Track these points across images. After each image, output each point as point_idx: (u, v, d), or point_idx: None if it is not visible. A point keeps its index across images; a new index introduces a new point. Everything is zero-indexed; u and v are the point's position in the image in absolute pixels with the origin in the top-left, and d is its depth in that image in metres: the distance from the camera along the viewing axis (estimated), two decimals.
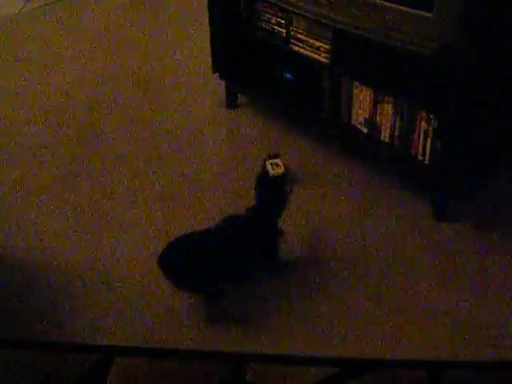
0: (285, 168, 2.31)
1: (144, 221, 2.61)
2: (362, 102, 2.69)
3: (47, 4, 4.45)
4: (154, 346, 2.13)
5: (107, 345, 2.13)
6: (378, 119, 2.66)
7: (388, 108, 2.60)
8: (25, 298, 2.29)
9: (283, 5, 2.77)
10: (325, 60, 2.75)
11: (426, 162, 2.55)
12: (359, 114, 2.72)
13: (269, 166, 2.33)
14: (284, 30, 2.86)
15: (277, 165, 2.35)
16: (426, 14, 2.23)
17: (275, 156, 2.39)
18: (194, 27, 3.97)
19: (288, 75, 2.98)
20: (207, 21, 3.10)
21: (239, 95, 3.26)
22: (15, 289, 2.33)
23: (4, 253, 2.47)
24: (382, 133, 2.67)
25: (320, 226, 2.58)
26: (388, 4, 2.35)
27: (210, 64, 3.21)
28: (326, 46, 2.71)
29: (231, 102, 3.24)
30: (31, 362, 2.07)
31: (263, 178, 2.32)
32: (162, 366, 2.07)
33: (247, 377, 2.03)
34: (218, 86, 3.30)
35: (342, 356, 2.10)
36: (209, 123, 3.18)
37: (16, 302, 2.28)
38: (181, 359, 2.09)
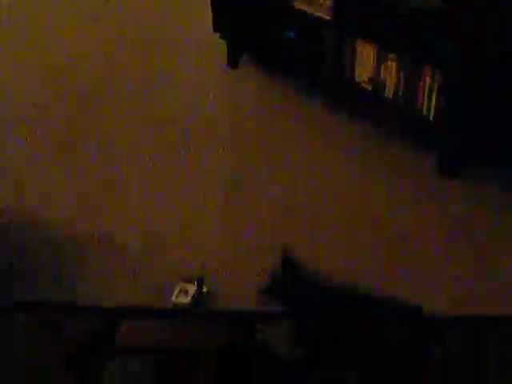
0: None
1: (148, 182, 2.60)
2: (365, 59, 2.67)
3: None
4: (163, 306, 2.14)
5: (116, 307, 2.14)
6: (382, 76, 2.64)
7: (392, 64, 2.58)
8: (32, 261, 2.30)
9: None
10: (327, 17, 2.72)
11: (431, 119, 2.54)
12: (363, 71, 2.70)
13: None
14: None
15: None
16: None
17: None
18: None
19: (290, 34, 2.95)
20: None
21: (241, 55, 3.23)
22: (22, 252, 2.34)
23: (9, 216, 2.47)
24: (386, 90, 2.65)
25: (325, 184, 2.58)
26: None
27: (211, 23, 3.18)
28: (329, 3, 2.69)
29: (233, 62, 3.22)
30: (43, 323, 2.09)
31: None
32: (171, 326, 2.08)
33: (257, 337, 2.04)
34: (220, 45, 3.27)
35: None
36: (211, 83, 3.16)
37: (25, 265, 2.29)
38: (190, 320, 2.10)
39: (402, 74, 2.57)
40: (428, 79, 2.48)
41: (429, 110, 2.53)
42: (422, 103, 2.54)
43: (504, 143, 2.59)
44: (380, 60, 2.62)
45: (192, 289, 2.20)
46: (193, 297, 2.17)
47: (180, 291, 2.20)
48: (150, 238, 2.37)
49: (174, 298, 2.18)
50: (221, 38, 3.21)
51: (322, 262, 2.24)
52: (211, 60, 3.31)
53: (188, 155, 2.74)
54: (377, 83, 2.67)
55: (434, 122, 2.53)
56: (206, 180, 2.61)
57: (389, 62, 2.59)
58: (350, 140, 2.79)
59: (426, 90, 2.50)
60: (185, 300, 2.18)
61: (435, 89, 2.47)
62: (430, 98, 2.51)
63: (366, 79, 2.70)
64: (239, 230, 2.39)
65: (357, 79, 2.74)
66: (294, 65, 2.99)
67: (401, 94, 2.61)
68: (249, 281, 2.15)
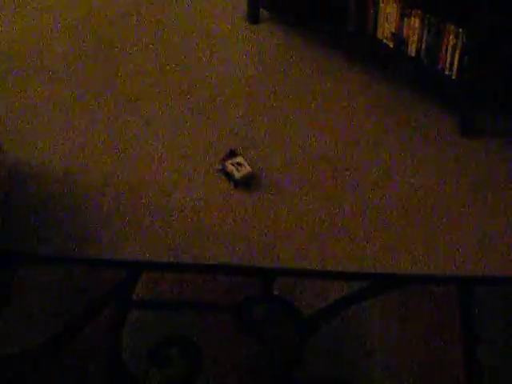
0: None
1: (167, 135, 2.60)
2: (388, 15, 2.63)
3: None
4: (180, 259, 2.16)
5: (134, 260, 2.16)
6: (405, 33, 2.60)
7: (415, 21, 2.54)
8: (51, 213, 2.32)
9: None
10: None
11: (454, 77, 2.51)
12: (385, 27, 2.66)
13: (231, 168, 2.33)
14: None
15: (239, 164, 2.34)
16: None
17: (234, 153, 2.38)
18: None
19: None
20: None
21: (261, 9, 3.19)
22: (40, 205, 2.36)
23: (28, 168, 2.48)
24: (409, 47, 2.61)
25: (344, 136, 2.57)
26: None
27: None
28: None
29: (253, 17, 3.17)
30: (60, 277, 2.11)
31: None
32: (188, 279, 2.10)
33: (275, 292, 2.06)
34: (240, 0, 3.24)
35: (370, 271, 2.13)
36: (231, 38, 3.12)
37: (42, 217, 2.31)
38: (207, 273, 2.12)
39: (425, 31, 2.53)
40: (452, 38, 2.45)
41: (451, 68, 2.50)
42: (445, 62, 2.51)
43: None
44: (403, 16, 2.58)
45: (241, 159, 2.36)
46: (247, 163, 2.35)
47: (234, 166, 2.35)
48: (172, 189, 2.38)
49: (235, 175, 2.34)
50: None
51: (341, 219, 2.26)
52: (232, 14, 3.26)
53: (210, 108, 2.74)
54: (399, 40, 2.63)
55: (457, 81, 2.50)
56: (228, 134, 2.61)
57: (412, 19, 2.55)
58: (369, 96, 2.77)
59: (450, 48, 2.47)
60: (245, 169, 2.35)
61: (459, 47, 2.44)
62: (453, 56, 2.47)
63: (389, 35, 2.66)
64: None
65: (379, 35, 2.70)
66: (316, 20, 2.95)
67: (423, 51, 2.57)
68: None
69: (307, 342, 1.94)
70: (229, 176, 2.38)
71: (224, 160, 2.41)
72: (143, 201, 2.36)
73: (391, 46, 2.67)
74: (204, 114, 2.70)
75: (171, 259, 2.17)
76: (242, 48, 3.07)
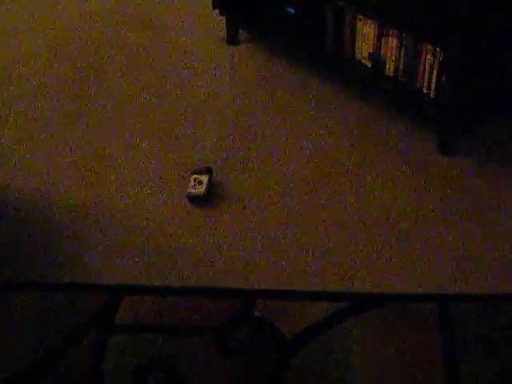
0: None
1: (146, 158, 2.59)
2: (365, 35, 2.65)
3: None
4: (162, 283, 2.14)
5: (115, 284, 2.14)
6: (383, 53, 2.62)
7: (392, 41, 2.56)
8: (28, 239, 2.29)
9: None
10: None
11: (432, 96, 2.52)
12: (363, 47, 2.68)
13: (192, 183, 2.40)
14: None
15: (200, 182, 2.39)
16: None
17: (205, 171, 2.44)
18: None
19: (290, 9, 2.92)
20: None
21: (240, 31, 3.20)
22: (19, 228, 2.33)
23: (7, 192, 2.46)
24: (387, 67, 2.63)
25: (323, 162, 2.57)
26: None
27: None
28: None
29: (232, 38, 3.19)
30: (40, 304, 2.08)
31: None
32: (169, 303, 2.08)
33: (255, 313, 2.04)
34: (219, 22, 3.24)
35: (350, 291, 2.12)
36: (210, 60, 3.14)
37: (20, 243, 2.28)
38: (187, 295, 2.10)
39: (402, 50, 2.54)
40: (429, 56, 2.46)
41: (429, 87, 2.51)
42: (423, 80, 2.52)
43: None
44: (380, 36, 2.59)
45: (205, 178, 2.40)
46: (206, 185, 2.38)
47: (195, 182, 2.39)
48: (151, 214, 2.37)
49: (190, 189, 2.37)
50: (220, 14, 3.17)
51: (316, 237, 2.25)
52: (211, 36, 3.28)
53: (188, 130, 2.73)
54: (377, 60, 2.65)
55: (435, 99, 2.51)
56: (205, 153, 2.60)
57: (389, 39, 2.57)
58: (348, 116, 2.78)
59: (427, 67, 2.48)
60: (199, 189, 2.37)
61: (436, 66, 2.45)
62: (430, 75, 2.49)
63: (367, 55, 2.68)
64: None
65: (357, 55, 2.72)
66: (294, 41, 2.96)
67: (401, 70, 2.59)
68: None
69: (289, 364, 1.92)
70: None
71: (193, 173, 2.44)
72: (122, 224, 2.34)
73: (369, 65, 2.69)
74: (183, 136, 2.70)
75: (152, 283, 2.15)
76: (220, 70, 3.08)
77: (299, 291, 2.12)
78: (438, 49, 2.42)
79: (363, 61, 2.70)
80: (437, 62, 2.44)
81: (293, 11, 2.92)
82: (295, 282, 2.15)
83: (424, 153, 2.59)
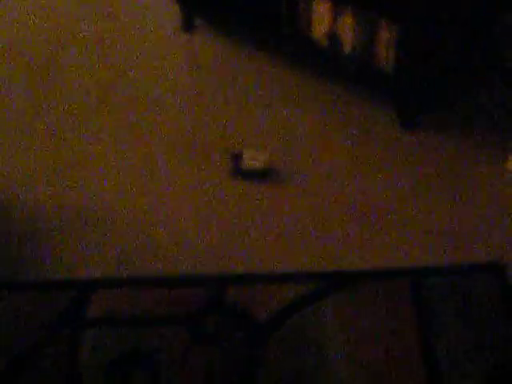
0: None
1: (110, 152, 2.56)
2: (321, 14, 2.64)
3: None
4: (131, 274, 2.13)
5: (84, 280, 2.12)
6: (339, 31, 2.61)
7: (348, 19, 2.56)
8: None
9: None
10: None
11: (390, 72, 2.53)
12: (319, 27, 2.67)
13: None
14: None
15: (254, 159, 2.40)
16: None
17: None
18: None
19: None
20: None
21: (195, 17, 3.17)
22: None
23: None
24: (344, 45, 2.63)
25: (287, 146, 2.57)
26: None
27: None
28: None
29: (187, 25, 3.16)
30: (10, 303, 2.06)
31: None
32: (140, 294, 2.07)
33: (228, 299, 2.04)
34: (175, 9, 3.22)
35: (322, 271, 2.12)
36: (166, 48, 3.10)
37: None
38: (159, 286, 2.09)
39: (358, 28, 2.54)
40: (385, 33, 2.47)
41: (387, 63, 2.52)
42: (380, 57, 2.53)
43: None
44: (336, 15, 2.59)
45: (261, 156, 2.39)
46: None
47: (248, 158, 2.38)
48: (116, 210, 2.35)
49: (247, 164, 2.38)
50: (176, 1, 3.14)
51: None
52: (166, 24, 3.25)
53: (149, 117, 2.71)
54: (334, 39, 2.65)
55: (393, 75, 2.52)
56: (167, 141, 2.59)
57: (345, 17, 2.56)
58: (308, 95, 2.78)
59: (384, 43, 2.48)
60: (258, 164, 2.37)
61: (393, 41, 2.46)
62: (387, 51, 2.49)
63: (323, 35, 2.67)
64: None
65: (313, 35, 2.71)
66: (250, 25, 2.94)
67: (358, 48, 2.59)
68: None
69: (264, 348, 1.92)
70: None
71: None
72: (88, 219, 2.31)
73: (326, 45, 2.68)
74: (145, 126, 2.68)
75: (122, 275, 2.14)
76: (177, 58, 3.05)
77: (270, 275, 2.11)
78: (393, 25, 2.43)
79: (320, 40, 2.69)
80: (393, 37, 2.44)
81: None
82: (267, 265, 2.15)
83: (386, 129, 2.60)
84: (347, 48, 2.62)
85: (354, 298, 2.04)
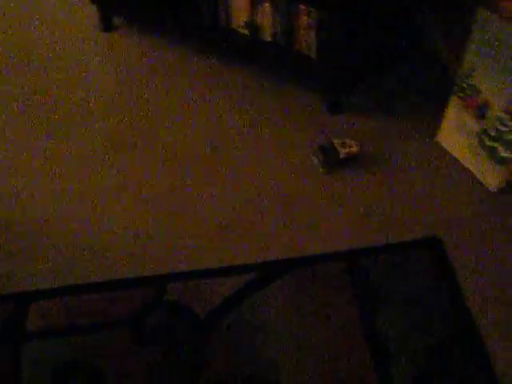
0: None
1: (36, 159, 2.50)
2: (239, 4, 2.62)
3: None
4: (68, 282, 2.08)
5: (20, 292, 2.07)
6: (259, 19, 2.60)
7: (267, 6, 2.54)
8: None
9: None
10: None
11: (313, 56, 2.53)
12: (238, 16, 2.65)
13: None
14: None
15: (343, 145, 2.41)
16: None
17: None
18: None
19: None
20: None
21: (114, 17, 3.12)
22: None
23: None
24: (265, 33, 2.61)
25: (217, 135, 2.55)
26: None
27: None
28: None
29: (106, 25, 3.11)
30: None
31: None
32: (79, 301, 2.03)
33: (168, 297, 2.01)
34: (91, 9, 3.16)
35: (257, 262, 2.11)
36: (87, 49, 3.04)
37: None
38: (98, 291, 2.05)
39: (277, 15, 2.53)
40: (305, 18, 2.46)
41: (310, 48, 2.51)
42: (302, 42, 2.52)
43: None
44: (254, 2, 2.57)
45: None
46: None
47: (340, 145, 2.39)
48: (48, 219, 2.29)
49: (342, 152, 2.39)
50: (91, 2, 3.08)
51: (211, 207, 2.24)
52: (85, 25, 3.18)
53: (74, 119, 2.66)
54: (254, 27, 2.63)
55: (317, 59, 2.52)
56: (101, 147, 2.54)
57: (263, 4, 2.55)
58: (234, 85, 2.76)
59: (304, 28, 2.48)
60: (354, 148, 2.39)
61: (313, 27, 2.45)
62: (309, 36, 2.49)
63: (243, 24, 2.65)
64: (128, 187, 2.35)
65: (233, 25, 2.69)
66: (169, 20, 2.90)
67: (279, 35, 2.58)
68: None
69: (208, 342, 1.90)
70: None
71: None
72: (21, 230, 2.26)
73: (247, 34, 2.66)
74: (70, 128, 2.62)
75: (59, 284, 2.09)
76: (98, 59, 2.99)
77: (207, 269, 2.10)
78: (312, 9, 2.42)
79: (240, 30, 2.67)
80: (313, 22, 2.44)
81: None
82: (204, 260, 2.13)
83: (313, 114, 2.60)
84: (268, 35, 2.60)
85: (293, 283, 2.04)
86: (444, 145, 2.47)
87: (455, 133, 2.41)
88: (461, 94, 2.36)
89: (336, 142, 2.41)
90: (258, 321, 1.94)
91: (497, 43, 2.19)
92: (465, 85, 2.34)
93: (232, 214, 2.26)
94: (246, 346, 1.89)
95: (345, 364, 1.85)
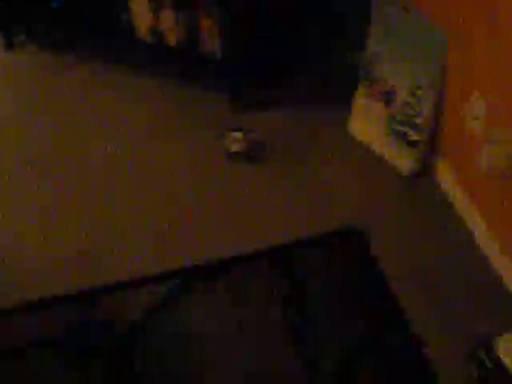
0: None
1: None
2: (141, 12, 2.59)
3: None
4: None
5: None
6: (162, 26, 2.58)
7: (168, 12, 2.53)
8: None
9: None
10: None
11: (218, 58, 2.53)
12: (142, 24, 2.63)
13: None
14: None
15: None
16: None
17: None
18: None
19: (55, 3, 2.78)
20: None
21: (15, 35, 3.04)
22: None
23: None
24: (169, 38, 2.60)
25: (131, 143, 2.53)
26: None
27: None
28: None
29: (8, 44, 3.03)
30: None
31: None
32: (15, 324, 1.98)
33: (96, 312, 1.98)
34: None
35: (179, 268, 2.10)
36: None
37: None
38: (22, 313, 2.00)
39: (179, 19, 2.52)
40: (206, 20, 2.46)
41: (214, 50, 2.52)
42: (206, 45, 2.52)
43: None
44: (156, 9, 2.55)
45: (240, 135, 2.36)
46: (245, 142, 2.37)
47: (231, 140, 2.36)
48: None
49: (228, 147, 2.38)
50: None
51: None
52: None
53: None
54: (157, 34, 2.61)
55: (221, 60, 2.53)
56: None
57: (165, 10, 2.54)
58: (144, 92, 2.74)
59: (206, 30, 2.48)
60: (239, 147, 2.37)
61: (215, 28, 2.46)
62: (212, 38, 2.49)
63: (147, 32, 2.63)
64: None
65: (138, 34, 2.66)
66: (71, 33, 2.85)
67: (183, 39, 2.57)
68: None
69: (138, 353, 1.88)
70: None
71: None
72: None
73: (151, 41, 2.64)
74: None
75: None
76: (6, 80, 2.91)
77: (132, 280, 2.07)
78: (212, 11, 2.43)
79: (145, 37, 2.65)
80: (214, 23, 2.44)
81: (59, 4, 2.77)
82: (134, 269, 2.10)
83: (221, 113, 2.60)
84: (173, 40, 2.59)
85: (226, 285, 2.03)
86: (355, 133, 2.50)
87: (365, 121, 2.45)
88: (367, 83, 2.40)
89: (238, 135, 2.42)
90: (190, 325, 1.93)
91: (397, 31, 2.23)
92: (370, 73, 2.38)
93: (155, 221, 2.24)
94: (178, 353, 1.87)
95: (272, 361, 1.85)
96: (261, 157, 2.43)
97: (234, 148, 2.40)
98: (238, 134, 2.40)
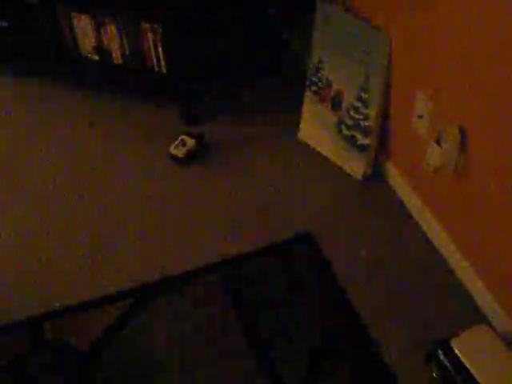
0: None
1: None
2: (84, 30, 2.56)
3: None
4: None
5: None
6: (106, 43, 2.56)
7: (111, 29, 2.51)
8: None
9: None
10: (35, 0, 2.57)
11: (164, 71, 2.51)
12: (86, 42, 2.60)
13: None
14: None
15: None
16: None
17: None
18: None
19: (2, 23, 2.76)
20: None
21: None
22: None
23: None
24: (114, 55, 2.57)
25: (76, 157, 2.49)
26: None
27: None
28: None
29: None
30: None
31: None
32: None
33: (46, 337, 1.94)
34: None
35: (130, 286, 2.07)
36: None
37: None
38: None
39: (123, 35, 2.50)
40: (150, 35, 2.44)
41: (159, 64, 2.50)
42: (151, 59, 2.50)
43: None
44: (99, 27, 2.53)
45: (191, 142, 2.38)
46: (189, 150, 2.41)
47: (179, 143, 2.42)
48: None
49: (172, 148, 2.42)
50: None
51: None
52: None
53: None
54: (102, 51, 2.58)
55: (167, 74, 2.51)
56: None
57: (107, 27, 2.51)
58: (94, 113, 2.70)
59: (150, 44, 2.46)
60: (181, 152, 2.40)
61: (159, 42, 2.44)
62: (156, 52, 2.47)
63: (92, 49, 2.60)
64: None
65: (82, 52, 2.63)
66: (18, 56, 2.81)
67: (128, 55, 2.54)
68: None
69: (97, 375, 1.84)
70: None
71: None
72: None
73: (97, 58, 2.61)
74: None
75: None
76: None
77: (84, 302, 2.03)
78: (155, 25, 2.41)
79: (90, 56, 2.62)
80: (158, 37, 2.42)
81: (6, 24, 2.74)
82: (78, 295, 2.06)
83: (170, 128, 2.58)
84: (117, 57, 2.57)
85: (173, 300, 2.01)
86: (306, 140, 2.49)
87: (314, 127, 2.44)
88: (314, 88, 2.39)
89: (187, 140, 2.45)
90: (146, 342, 1.90)
91: (341, 34, 2.22)
92: (316, 79, 2.37)
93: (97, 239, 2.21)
94: (136, 371, 1.84)
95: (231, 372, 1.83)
96: (210, 162, 2.43)
97: (182, 153, 2.40)
98: (188, 139, 2.42)
